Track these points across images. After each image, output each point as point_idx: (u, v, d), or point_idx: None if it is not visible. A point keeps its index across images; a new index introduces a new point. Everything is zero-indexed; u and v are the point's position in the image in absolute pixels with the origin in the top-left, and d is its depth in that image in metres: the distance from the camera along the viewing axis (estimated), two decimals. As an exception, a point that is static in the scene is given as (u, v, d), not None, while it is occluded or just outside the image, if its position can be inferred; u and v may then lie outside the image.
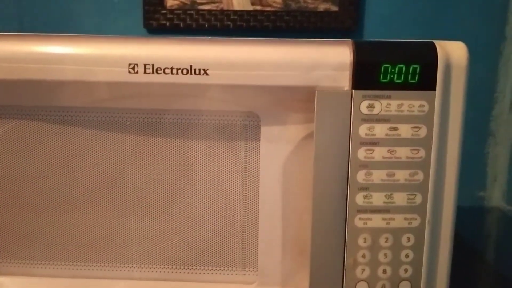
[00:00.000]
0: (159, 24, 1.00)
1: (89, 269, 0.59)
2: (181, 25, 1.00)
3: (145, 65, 0.51)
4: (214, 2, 0.99)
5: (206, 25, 1.00)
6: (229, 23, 1.00)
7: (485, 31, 0.98)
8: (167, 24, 1.00)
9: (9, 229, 0.59)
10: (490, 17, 0.98)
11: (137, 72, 0.51)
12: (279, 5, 0.99)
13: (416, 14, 0.99)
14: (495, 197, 1.06)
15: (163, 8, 1.00)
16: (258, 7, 0.99)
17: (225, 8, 0.99)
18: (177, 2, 1.00)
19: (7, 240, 0.59)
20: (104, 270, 0.59)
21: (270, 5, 0.99)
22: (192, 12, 1.00)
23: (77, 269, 0.60)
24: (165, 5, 1.00)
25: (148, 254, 0.59)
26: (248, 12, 0.99)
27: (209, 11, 0.99)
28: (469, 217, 1.05)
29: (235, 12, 0.99)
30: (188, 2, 1.00)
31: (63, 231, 0.59)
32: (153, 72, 0.51)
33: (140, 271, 0.59)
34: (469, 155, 1.03)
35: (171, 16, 1.00)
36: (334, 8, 0.98)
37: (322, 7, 0.99)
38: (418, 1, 0.98)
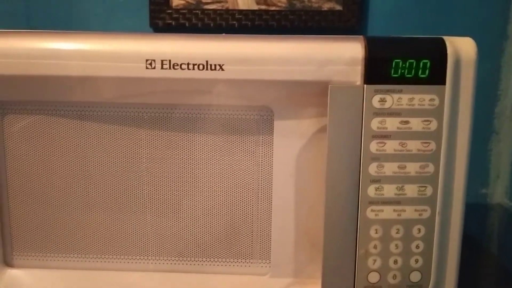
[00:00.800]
0: (164, 23, 1.01)
1: (103, 261, 0.60)
2: (187, 24, 1.01)
3: (162, 61, 0.52)
4: (219, 2, 1.00)
5: (212, 25, 1.01)
6: (234, 22, 1.01)
7: (487, 29, 1.00)
8: (173, 23, 1.01)
9: (24, 222, 0.60)
10: (492, 16, 0.99)
11: (154, 68, 0.52)
12: (283, 4, 1.00)
13: (419, 13, 1.00)
14: (497, 194, 1.07)
15: (169, 8, 1.01)
16: (263, 7, 1.00)
17: (230, 7, 1.00)
18: (183, 2, 1.01)
19: (23, 233, 0.60)
20: (119, 262, 0.60)
21: (275, 4, 1.00)
22: (197, 11, 1.01)
23: (91, 261, 0.60)
24: (171, 5, 1.01)
25: (162, 246, 0.60)
26: (253, 11, 1.00)
27: (214, 10, 1.00)
28: (472, 213, 1.06)
29: (240, 11, 1.00)
30: (193, 2, 1.00)
31: (78, 224, 0.59)
32: (170, 68, 0.52)
33: (155, 263, 0.60)
34: (472, 152, 1.03)
35: (177, 15, 1.01)
36: (338, 7, 0.99)
37: (326, 6, 1.00)
38: (421, 1, 0.99)
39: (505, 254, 1.02)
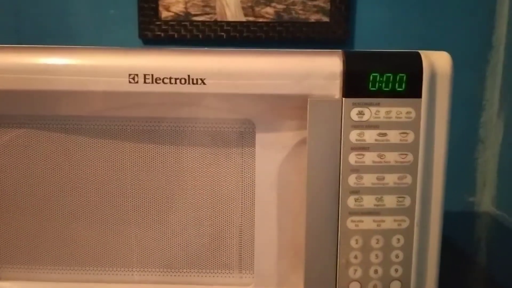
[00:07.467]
0: (154, 35, 1.02)
1: (89, 273, 0.61)
2: (176, 35, 1.02)
3: (144, 75, 0.53)
4: (208, 13, 1.01)
5: (200, 36, 1.02)
6: (223, 33, 1.02)
7: (472, 40, 1.01)
8: (162, 35, 1.02)
9: (11, 234, 0.60)
10: (477, 26, 1.00)
11: (137, 82, 0.53)
12: (271, 16, 1.01)
13: (405, 24, 1.01)
14: (484, 202, 1.07)
15: (158, 19, 1.02)
16: (251, 18, 1.01)
17: (219, 19, 1.01)
18: (172, 13, 1.02)
19: (9, 245, 0.60)
20: (105, 274, 0.61)
21: (262, 16, 1.01)
22: (186, 23, 1.01)
23: (77, 273, 0.61)
24: (160, 16, 1.02)
25: (147, 258, 0.60)
26: (241, 23, 1.01)
27: (203, 22, 1.01)
28: (459, 222, 1.07)
29: (229, 23, 1.01)
30: (182, 13, 1.01)
31: (64, 236, 0.60)
32: (152, 82, 0.53)
33: (140, 274, 0.60)
34: (459, 161, 1.05)
35: (166, 27, 1.02)
36: (325, 19, 1.00)
37: (313, 17, 1.01)
38: (407, 12, 1.00)
39: (492, 262, 1.02)
